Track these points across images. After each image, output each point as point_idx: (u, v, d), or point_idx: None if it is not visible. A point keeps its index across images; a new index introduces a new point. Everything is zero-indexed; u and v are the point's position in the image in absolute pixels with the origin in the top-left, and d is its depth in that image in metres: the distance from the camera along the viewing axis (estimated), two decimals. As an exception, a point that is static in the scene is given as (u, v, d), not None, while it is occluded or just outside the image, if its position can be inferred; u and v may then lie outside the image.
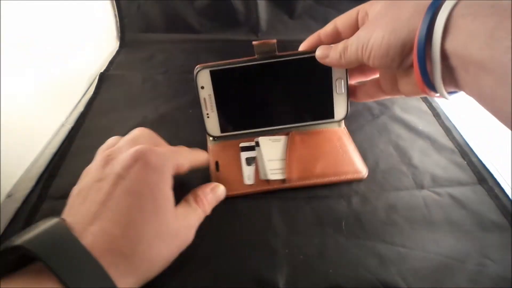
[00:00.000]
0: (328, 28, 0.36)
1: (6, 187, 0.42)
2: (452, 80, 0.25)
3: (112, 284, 0.21)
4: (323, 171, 0.41)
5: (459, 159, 0.45)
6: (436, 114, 0.54)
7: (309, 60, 0.40)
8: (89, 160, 0.34)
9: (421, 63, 0.25)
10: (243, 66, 0.41)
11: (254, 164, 0.43)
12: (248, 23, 0.79)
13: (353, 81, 0.42)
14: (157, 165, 0.29)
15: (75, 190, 0.30)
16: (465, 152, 0.46)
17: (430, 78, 0.26)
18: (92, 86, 0.62)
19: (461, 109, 0.54)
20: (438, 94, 0.27)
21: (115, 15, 0.78)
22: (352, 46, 0.31)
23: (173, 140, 0.49)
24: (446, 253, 0.34)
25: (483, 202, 0.39)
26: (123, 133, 0.50)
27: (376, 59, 0.28)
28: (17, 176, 0.44)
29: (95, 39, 0.71)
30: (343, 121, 0.46)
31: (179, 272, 0.32)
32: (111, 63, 0.70)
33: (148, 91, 0.61)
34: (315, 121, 0.45)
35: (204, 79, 0.41)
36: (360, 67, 0.40)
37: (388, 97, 0.37)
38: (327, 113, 0.44)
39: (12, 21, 0.45)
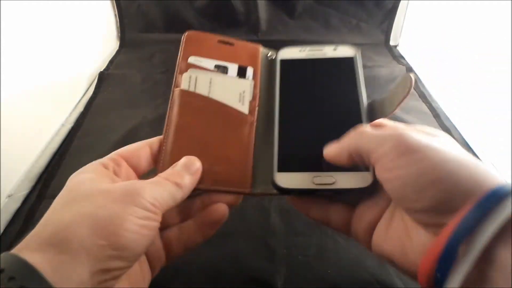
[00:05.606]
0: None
1: (6, 187, 0.42)
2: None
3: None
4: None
5: (459, 160, 0.45)
6: (436, 114, 0.54)
7: None
8: (88, 160, 0.34)
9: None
10: None
11: None
12: (248, 23, 0.79)
13: None
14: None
15: None
16: (464, 153, 0.46)
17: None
18: (92, 86, 0.62)
19: (461, 110, 0.54)
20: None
21: (115, 15, 0.78)
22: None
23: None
24: (444, 254, 0.34)
25: (482, 203, 0.39)
26: (122, 133, 0.50)
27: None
28: (17, 176, 0.44)
29: (95, 39, 0.71)
30: None
31: (179, 272, 0.33)
32: (111, 62, 0.70)
33: (148, 91, 0.61)
34: None
35: None
36: None
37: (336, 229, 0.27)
38: None
39: (13, 21, 0.45)
